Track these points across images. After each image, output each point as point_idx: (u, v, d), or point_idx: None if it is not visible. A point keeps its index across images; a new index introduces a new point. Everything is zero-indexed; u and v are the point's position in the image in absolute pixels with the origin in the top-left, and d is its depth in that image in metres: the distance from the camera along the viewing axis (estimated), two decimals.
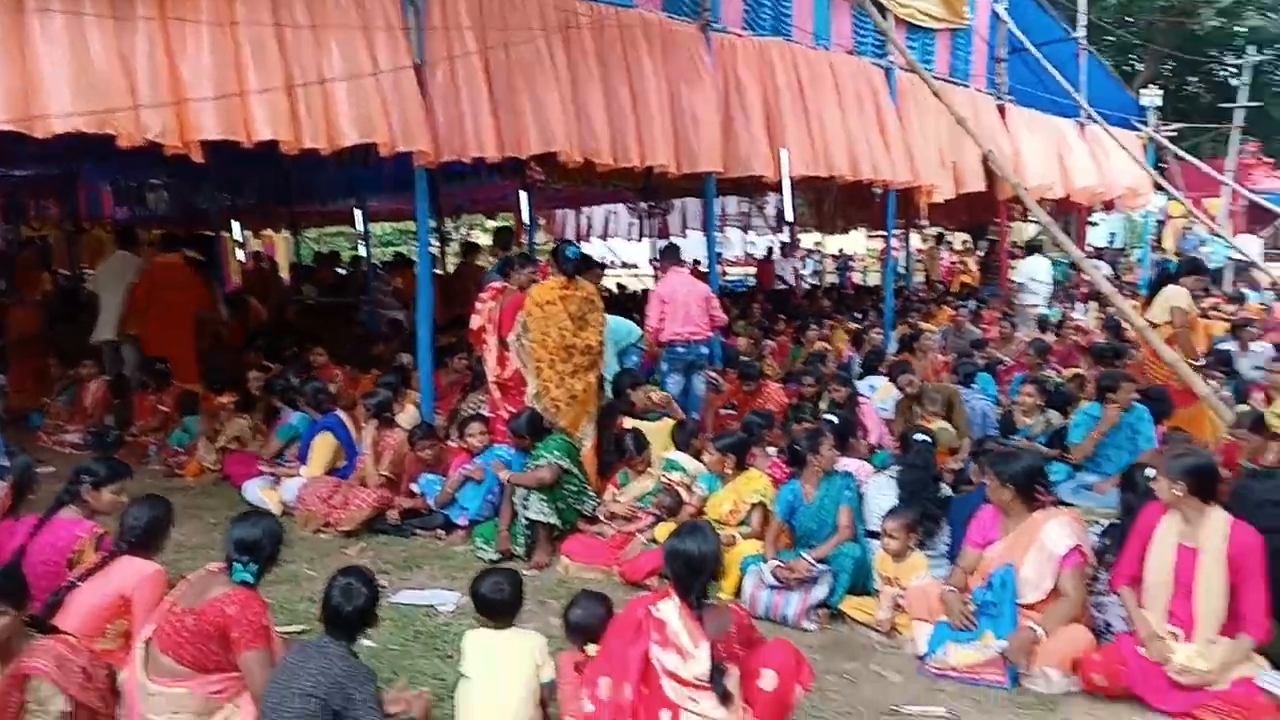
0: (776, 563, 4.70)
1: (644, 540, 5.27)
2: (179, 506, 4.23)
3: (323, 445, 6.49)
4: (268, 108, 5.59)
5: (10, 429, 7.60)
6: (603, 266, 11.05)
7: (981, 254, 19.72)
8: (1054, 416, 7.01)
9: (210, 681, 3.17)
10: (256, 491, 6.49)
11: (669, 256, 8.03)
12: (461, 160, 6.53)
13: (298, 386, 7.32)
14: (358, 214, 13.92)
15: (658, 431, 6.23)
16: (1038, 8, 13.88)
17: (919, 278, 18.65)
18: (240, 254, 17.92)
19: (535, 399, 6.04)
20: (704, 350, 7.81)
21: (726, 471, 5.40)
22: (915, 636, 4.27)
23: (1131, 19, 23.34)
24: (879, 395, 7.71)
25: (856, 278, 24.52)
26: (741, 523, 5.17)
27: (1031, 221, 19.02)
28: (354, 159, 9.72)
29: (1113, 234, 24.97)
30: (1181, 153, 17.05)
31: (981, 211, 15.83)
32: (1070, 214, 17.35)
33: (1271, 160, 26.15)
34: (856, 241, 27.08)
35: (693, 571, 3.12)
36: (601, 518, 5.65)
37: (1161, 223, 22.34)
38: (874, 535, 4.93)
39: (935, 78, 10.48)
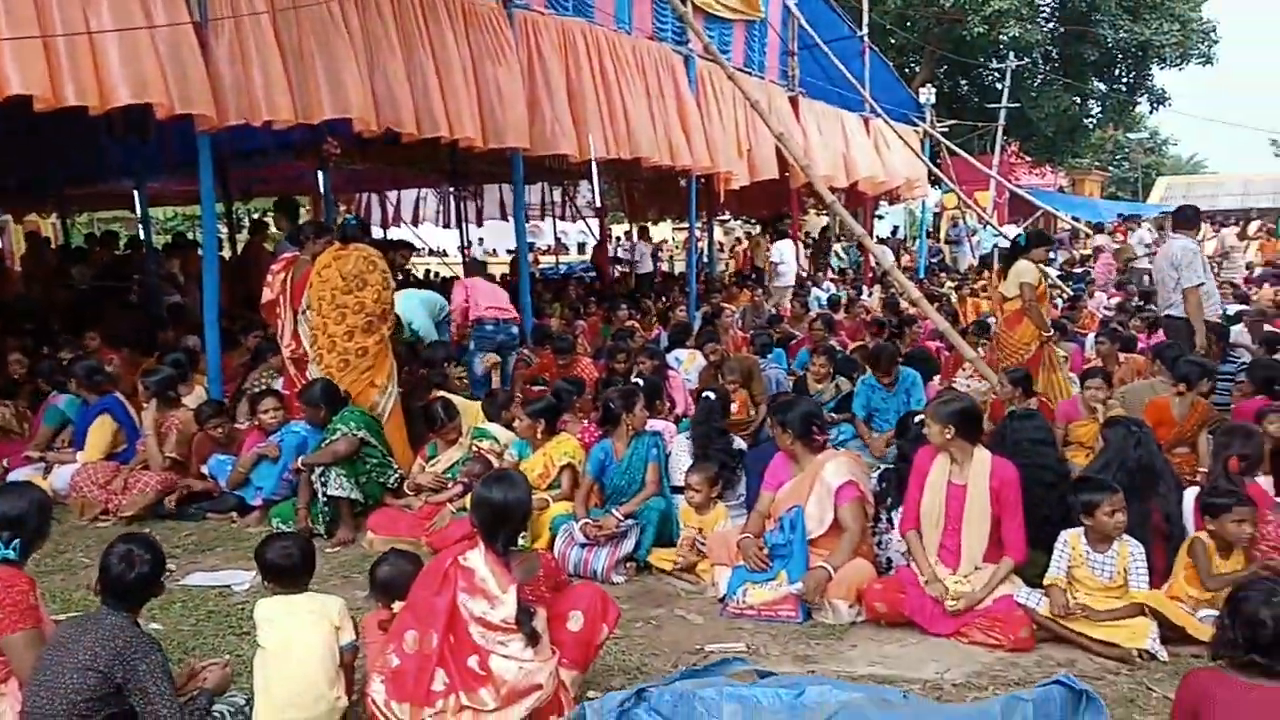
0: (587, 520, 4.78)
1: (453, 510, 5.21)
2: None
3: (100, 429, 6.02)
4: (18, 58, 5.09)
5: None
6: (411, 248, 10.83)
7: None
8: (842, 383, 7.51)
9: None
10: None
11: (473, 267, 8.39)
12: (250, 124, 6.19)
13: (67, 367, 6.72)
14: (136, 195, 12.90)
15: (470, 405, 6.19)
16: (825, 6, 14.71)
17: (722, 266, 19.37)
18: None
19: (314, 365, 5.86)
20: (514, 331, 7.83)
21: (538, 437, 5.42)
22: (716, 580, 4.46)
23: (910, 22, 25.12)
24: (685, 366, 8.00)
25: (664, 266, 25.14)
26: (552, 485, 5.22)
27: (823, 214, 20.26)
28: (130, 130, 9.07)
29: (896, 226, 26.92)
30: (955, 148, 18.57)
31: (779, 203, 16.61)
32: (859, 206, 18.51)
33: (1030, 158, 28.94)
34: (664, 231, 27.80)
35: (497, 518, 3.13)
36: (407, 490, 5.54)
37: (938, 214, 24.30)
38: (678, 490, 5.12)
39: (733, 68, 10.91)
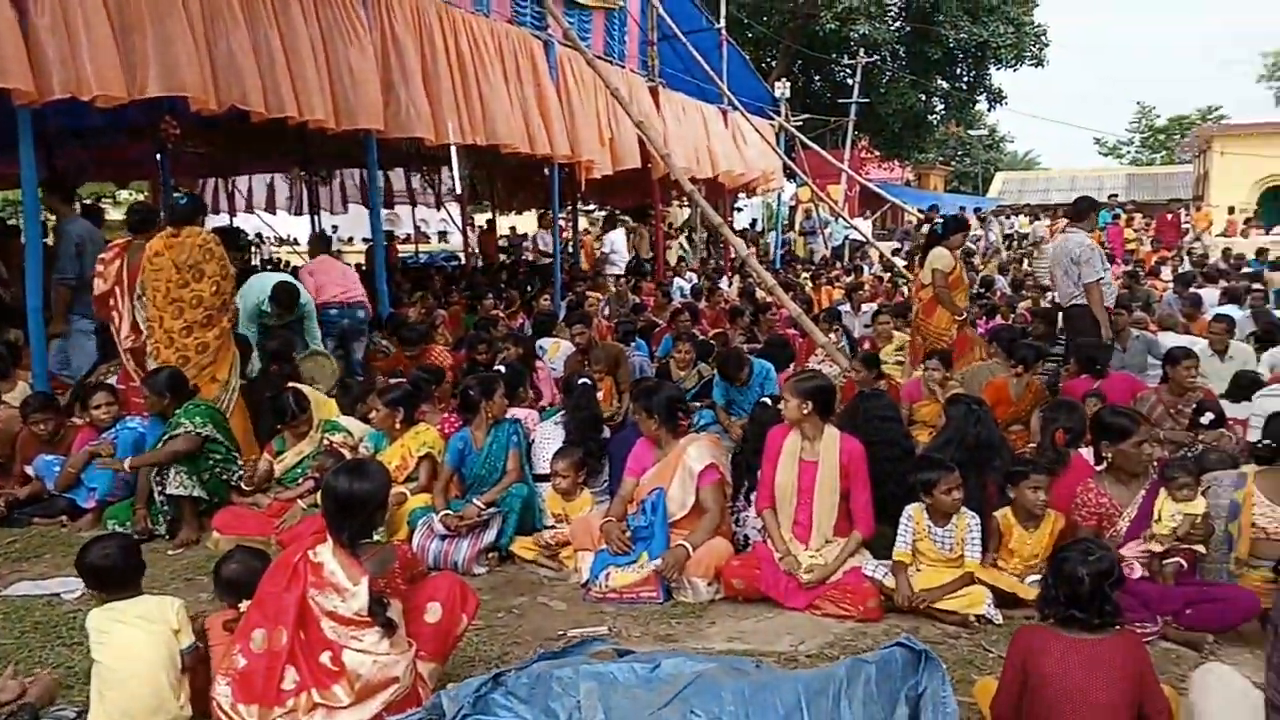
0: (446, 512, 4.70)
1: (304, 506, 5.01)
2: None
3: None
4: None
5: None
6: (237, 244, 10.29)
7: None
8: (704, 369, 7.63)
9: None
10: None
11: (318, 244, 8.12)
12: (77, 100, 5.76)
13: None
14: None
15: (321, 397, 5.96)
16: None
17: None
18: None
19: (151, 359, 5.55)
20: (361, 315, 7.59)
21: (396, 427, 5.28)
22: (579, 566, 4.47)
23: (765, 16, 25.71)
24: (550, 354, 7.96)
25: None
26: (410, 478, 5.10)
27: (685, 205, 20.57)
28: None
29: (754, 219, 27.60)
30: (809, 142, 19.18)
31: (644, 193, 16.75)
32: (719, 198, 18.89)
33: (879, 153, 30.18)
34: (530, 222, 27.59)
35: (344, 509, 3.03)
36: (245, 486, 5.30)
37: (793, 207, 25.05)
38: (542, 479, 5.09)
39: (593, 56, 10.91)
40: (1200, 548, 3.95)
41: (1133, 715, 2.63)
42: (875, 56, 25.18)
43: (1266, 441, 4.18)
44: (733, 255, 15.86)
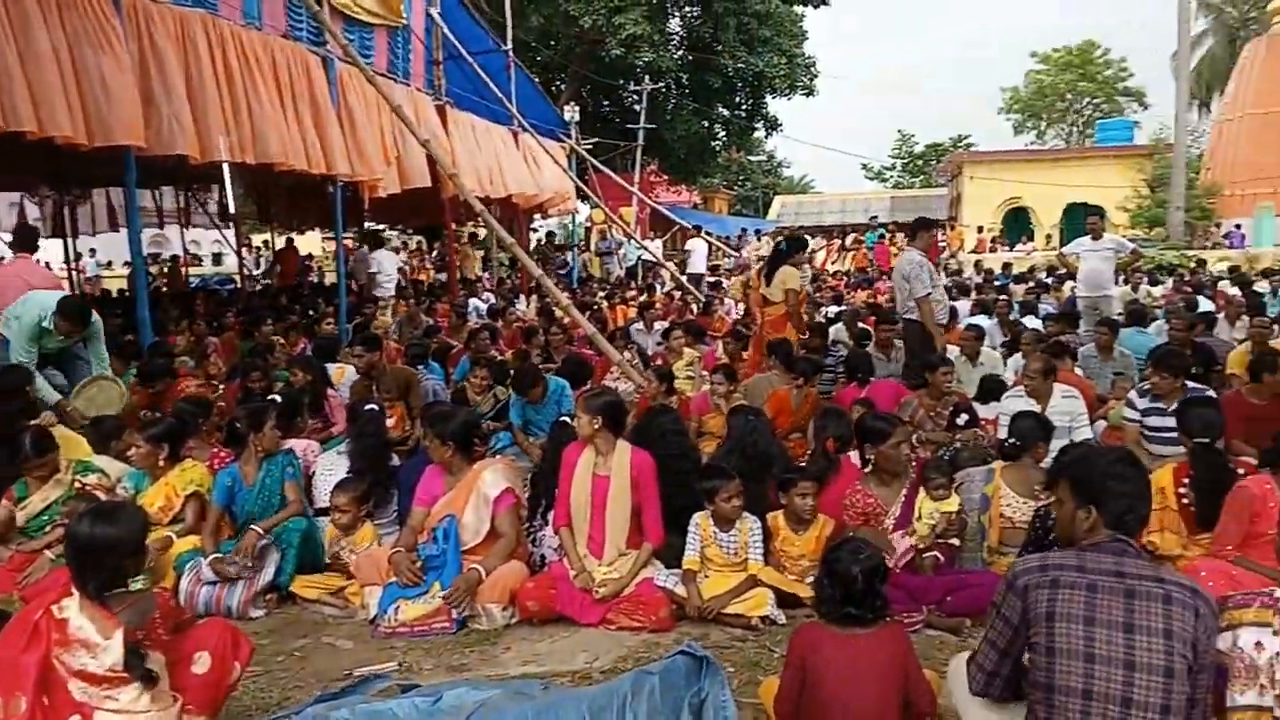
0: (216, 555, 4.38)
1: (51, 557, 4.51)
2: None
3: None
4: None
5: None
6: None
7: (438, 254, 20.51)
8: (500, 392, 7.55)
9: None
10: None
11: (21, 242, 7.18)
12: None
13: None
14: None
15: (71, 436, 5.40)
16: (470, 18, 14.79)
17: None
18: None
19: None
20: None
21: (159, 465, 4.86)
22: (366, 602, 4.29)
23: (553, 41, 26.05)
24: (335, 379, 7.60)
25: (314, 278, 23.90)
26: (176, 519, 4.72)
27: (481, 225, 20.36)
28: None
29: (551, 231, 27.72)
30: (600, 165, 19.55)
31: (435, 213, 16.43)
32: (513, 220, 18.86)
33: (667, 177, 31.18)
34: (313, 242, 26.46)
35: (88, 557, 2.75)
36: None
37: (589, 229, 25.42)
38: (322, 513, 4.85)
39: (375, 73, 10.62)
40: (955, 540, 4.30)
41: (900, 703, 2.81)
42: (660, 84, 26.03)
43: (1012, 440, 4.65)
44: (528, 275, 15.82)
